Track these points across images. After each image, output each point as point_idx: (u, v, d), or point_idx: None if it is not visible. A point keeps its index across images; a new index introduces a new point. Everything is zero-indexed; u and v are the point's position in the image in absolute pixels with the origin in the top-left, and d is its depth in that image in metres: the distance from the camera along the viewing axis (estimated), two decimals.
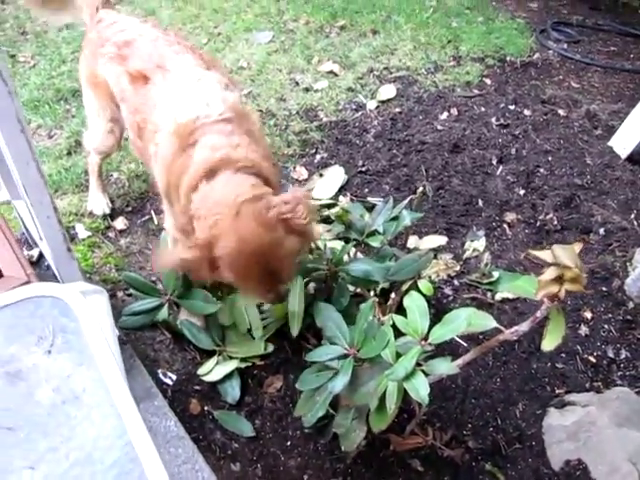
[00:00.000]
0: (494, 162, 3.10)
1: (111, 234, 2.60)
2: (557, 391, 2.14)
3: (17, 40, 3.91)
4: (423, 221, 2.69)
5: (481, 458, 1.94)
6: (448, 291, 2.43)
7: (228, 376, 2.04)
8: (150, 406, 1.87)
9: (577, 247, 1.29)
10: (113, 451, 0.92)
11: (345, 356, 1.61)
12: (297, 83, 3.64)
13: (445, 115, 3.43)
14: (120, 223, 2.64)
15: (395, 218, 2.06)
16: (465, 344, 2.18)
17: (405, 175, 2.97)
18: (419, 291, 1.82)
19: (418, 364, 1.45)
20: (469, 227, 2.74)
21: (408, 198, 2.26)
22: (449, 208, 2.82)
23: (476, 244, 2.64)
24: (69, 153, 2.98)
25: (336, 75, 3.74)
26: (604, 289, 2.49)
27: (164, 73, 1.86)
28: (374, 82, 3.69)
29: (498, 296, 2.42)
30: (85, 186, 2.75)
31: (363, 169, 3.01)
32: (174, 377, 2.07)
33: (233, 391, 2.02)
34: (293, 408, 1.91)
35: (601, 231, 2.74)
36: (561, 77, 3.95)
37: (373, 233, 2.05)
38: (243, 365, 2.08)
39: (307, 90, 3.58)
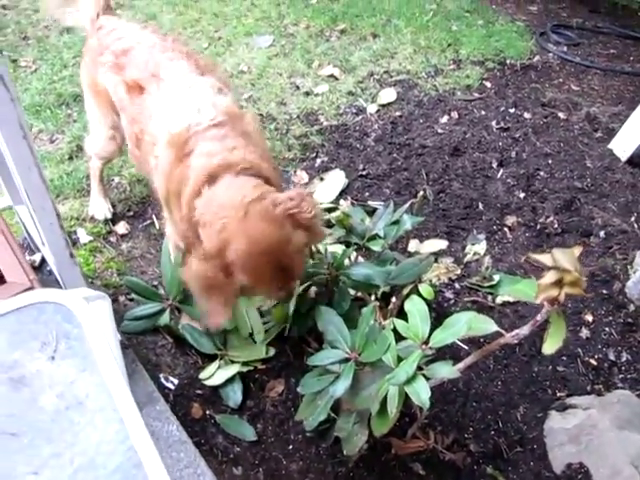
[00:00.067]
0: (494, 165, 3.11)
1: (113, 239, 2.61)
2: (558, 394, 2.14)
3: (19, 45, 3.92)
4: (424, 225, 2.70)
5: (482, 461, 1.94)
6: (449, 294, 2.44)
7: (230, 380, 2.04)
8: (152, 410, 1.87)
9: (577, 251, 1.30)
10: (116, 456, 0.93)
11: (346, 360, 1.61)
12: (297, 87, 3.65)
13: (445, 119, 3.44)
14: (122, 228, 2.65)
15: (396, 222, 2.07)
16: (466, 347, 2.18)
17: (406, 179, 2.98)
18: (420, 295, 1.82)
19: (419, 368, 1.45)
20: (470, 230, 2.75)
21: (409, 202, 2.26)
22: (450, 211, 2.83)
23: (477, 247, 2.65)
24: (70, 158, 2.98)
25: (336, 79, 3.75)
26: (605, 292, 2.49)
27: (158, 82, 1.86)
28: (374, 86, 3.71)
29: (499, 299, 2.43)
30: (87, 191, 2.76)
31: (364, 173, 3.02)
32: (176, 381, 2.08)
33: (235, 395, 2.03)
34: (295, 412, 1.91)
35: (601, 234, 2.74)
36: (561, 80, 3.96)
37: (374, 237, 2.05)
38: (245, 369, 2.09)
39: (307, 94, 3.60)
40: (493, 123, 3.41)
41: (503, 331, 1.46)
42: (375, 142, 3.23)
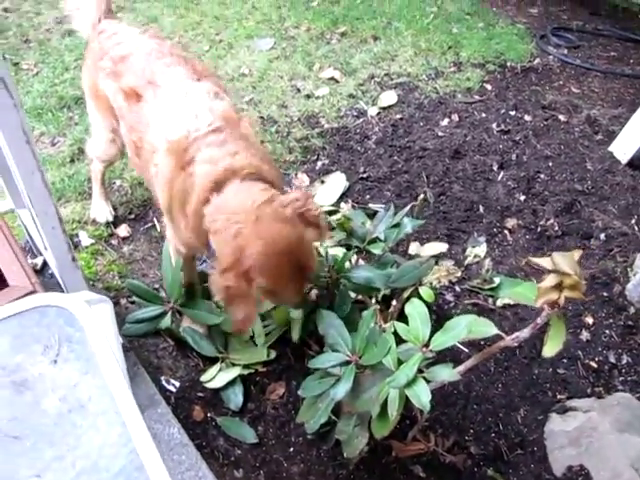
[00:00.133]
0: (495, 168, 3.11)
1: (114, 241, 2.62)
2: (559, 397, 2.14)
3: (20, 48, 3.94)
4: (424, 227, 2.70)
5: (483, 464, 1.95)
6: (449, 297, 2.45)
7: (231, 383, 2.05)
8: (154, 413, 1.88)
9: (576, 254, 1.30)
10: (118, 459, 0.93)
11: (347, 363, 1.62)
12: (298, 90, 3.66)
13: (446, 121, 3.44)
14: (123, 230, 2.66)
15: (396, 225, 2.07)
16: (466, 350, 2.18)
17: (406, 181, 2.99)
18: (420, 298, 1.83)
19: (419, 371, 1.45)
20: (470, 233, 2.76)
21: (409, 205, 2.27)
22: (450, 214, 2.83)
23: (477, 250, 2.66)
24: (72, 161, 2.99)
25: (337, 82, 3.76)
26: (605, 294, 2.50)
27: (155, 89, 1.86)
28: (375, 88, 3.71)
29: (499, 302, 2.43)
30: (88, 194, 2.77)
31: (364, 176, 3.03)
32: (177, 384, 2.08)
33: (236, 398, 2.03)
34: (295, 415, 1.92)
35: (602, 236, 2.75)
36: (561, 82, 3.97)
37: (374, 240, 2.05)
38: (246, 372, 2.09)
39: (308, 97, 3.60)
40: (494, 126, 3.42)
41: (503, 334, 1.47)
42: (376, 145, 3.24)
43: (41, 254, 2.30)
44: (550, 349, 1.35)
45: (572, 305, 2.43)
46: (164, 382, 2.08)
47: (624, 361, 2.27)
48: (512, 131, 3.39)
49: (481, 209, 2.87)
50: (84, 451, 0.95)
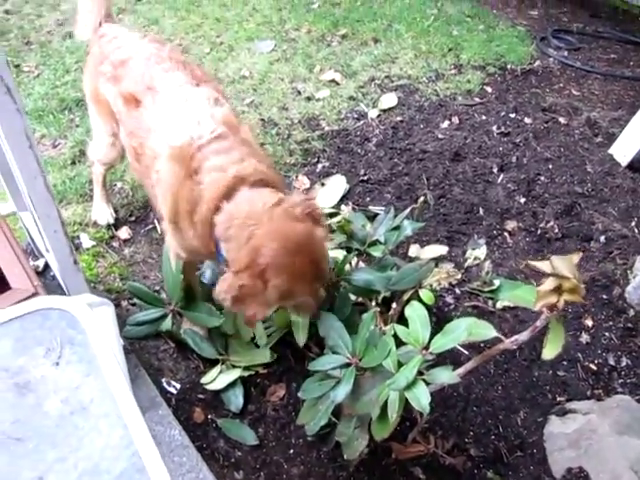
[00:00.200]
0: (495, 170, 3.12)
1: (115, 244, 2.62)
2: (558, 399, 2.15)
3: (21, 50, 3.95)
4: (424, 230, 2.70)
5: (483, 466, 1.95)
6: (449, 299, 2.45)
7: (231, 385, 2.06)
8: (154, 415, 1.88)
9: (576, 257, 1.31)
10: (120, 461, 0.94)
11: (347, 365, 1.63)
12: (299, 92, 3.67)
13: (446, 124, 3.45)
14: (124, 233, 2.66)
15: (396, 228, 2.08)
16: (466, 352, 2.18)
17: (406, 184, 2.99)
18: (420, 300, 1.84)
19: (419, 373, 1.46)
20: (470, 235, 2.76)
21: (410, 207, 2.28)
22: (450, 216, 2.84)
23: (477, 252, 2.66)
24: (73, 163, 3.00)
25: (338, 84, 3.77)
26: (605, 297, 2.50)
27: (154, 95, 1.87)
28: (375, 91, 3.72)
29: (499, 304, 2.43)
30: (89, 196, 2.78)
31: (365, 178, 3.04)
32: (178, 386, 2.09)
33: (236, 399, 2.04)
34: (296, 416, 1.93)
35: (602, 239, 2.75)
36: (561, 85, 3.98)
37: (375, 243, 2.06)
38: (246, 374, 2.10)
39: (309, 99, 3.61)
40: (494, 128, 3.43)
41: (503, 337, 1.47)
42: (376, 147, 3.25)
43: (43, 256, 2.30)
44: (549, 352, 1.35)
45: (572, 307, 2.43)
46: (165, 384, 2.09)
47: (623, 363, 2.28)
48: (512, 133, 3.39)
49: (481, 211, 2.88)
50: (86, 453, 0.95)
